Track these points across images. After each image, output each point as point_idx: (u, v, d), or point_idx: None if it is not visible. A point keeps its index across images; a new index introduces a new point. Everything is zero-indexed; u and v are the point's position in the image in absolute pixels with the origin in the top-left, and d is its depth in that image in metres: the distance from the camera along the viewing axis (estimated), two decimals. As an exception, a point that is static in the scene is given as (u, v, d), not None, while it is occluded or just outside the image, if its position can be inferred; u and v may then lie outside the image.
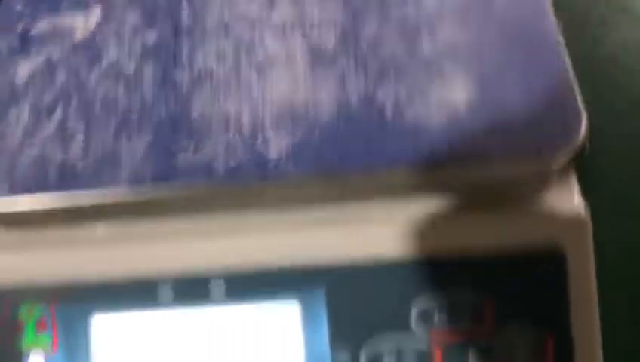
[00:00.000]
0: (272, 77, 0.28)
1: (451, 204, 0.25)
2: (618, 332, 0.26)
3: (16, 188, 0.26)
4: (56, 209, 0.26)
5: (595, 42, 0.38)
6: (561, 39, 0.27)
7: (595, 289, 0.25)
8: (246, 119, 0.27)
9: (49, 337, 0.27)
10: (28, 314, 0.27)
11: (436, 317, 0.25)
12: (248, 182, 0.25)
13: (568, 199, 0.25)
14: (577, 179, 0.26)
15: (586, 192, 0.26)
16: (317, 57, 0.28)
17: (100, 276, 0.26)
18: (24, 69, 0.29)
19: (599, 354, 0.25)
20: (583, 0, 0.40)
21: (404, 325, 0.25)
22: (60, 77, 0.29)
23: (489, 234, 0.25)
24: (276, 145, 0.26)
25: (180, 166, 0.26)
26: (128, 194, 0.26)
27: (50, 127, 0.28)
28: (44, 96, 0.28)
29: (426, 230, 0.25)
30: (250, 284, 0.26)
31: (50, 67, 0.29)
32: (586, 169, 0.26)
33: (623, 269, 0.30)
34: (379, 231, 0.26)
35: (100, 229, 0.27)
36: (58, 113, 0.28)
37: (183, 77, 0.28)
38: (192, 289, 0.26)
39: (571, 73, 0.26)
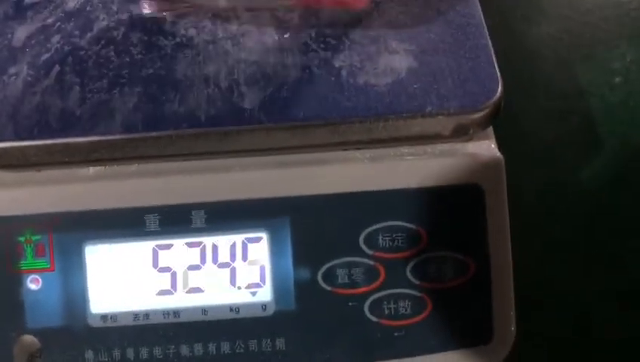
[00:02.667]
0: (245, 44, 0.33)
1: (395, 150, 0.31)
2: (530, 258, 0.32)
3: (22, 135, 0.30)
4: (57, 153, 0.30)
5: (519, 35, 0.46)
6: (485, 29, 0.33)
7: (507, 216, 0.30)
8: (223, 78, 0.32)
9: (47, 261, 0.31)
10: (27, 241, 0.31)
11: (380, 242, 0.31)
12: (225, 127, 0.30)
13: (487, 146, 0.31)
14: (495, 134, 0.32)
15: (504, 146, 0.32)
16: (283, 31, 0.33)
17: (93, 207, 0.30)
18: (23, 33, 0.33)
19: (510, 270, 0.31)
20: (509, 1, 0.47)
21: (354, 248, 0.30)
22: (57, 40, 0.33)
23: (425, 175, 0.31)
24: (249, 98, 0.31)
25: (167, 114, 0.30)
26: (121, 139, 0.30)
27: (50, 82, 0.32)
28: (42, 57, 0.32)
29: (375, 170, 0.31)
30: (226, 214, 0.30)
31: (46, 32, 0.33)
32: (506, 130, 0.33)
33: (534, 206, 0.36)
34: (334, 171, 0.31)
35: (94, 169, 0.31)
36: (57, 69, 0.32)
37: (167, 43, 0.33)
38: (175, 218, 0.30)
39: (492, 52, 0.32)
